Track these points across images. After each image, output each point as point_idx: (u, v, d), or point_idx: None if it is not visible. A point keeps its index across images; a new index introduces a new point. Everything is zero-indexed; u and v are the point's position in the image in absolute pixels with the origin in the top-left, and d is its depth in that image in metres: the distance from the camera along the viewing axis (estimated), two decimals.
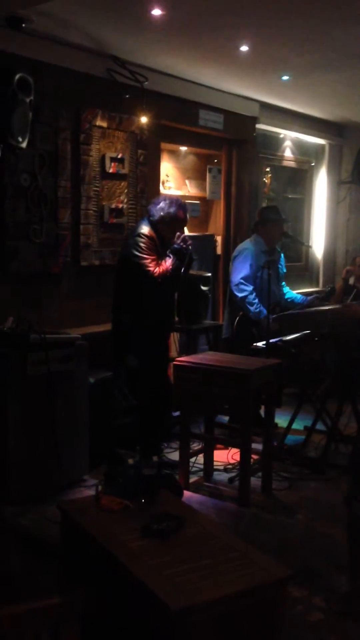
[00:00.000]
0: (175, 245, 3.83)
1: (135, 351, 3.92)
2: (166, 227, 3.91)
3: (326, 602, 2.72)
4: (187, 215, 4.08)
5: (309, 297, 5.13)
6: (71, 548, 2.68)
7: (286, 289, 5.21)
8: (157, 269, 3.75)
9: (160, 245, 3.88)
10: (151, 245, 3.80)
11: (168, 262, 3.79)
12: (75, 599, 1.57)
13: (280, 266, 5.03)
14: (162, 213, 3.89)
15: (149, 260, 3.76)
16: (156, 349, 4.06)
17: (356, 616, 2.62)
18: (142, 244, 3.78)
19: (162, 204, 3.91)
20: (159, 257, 3.84)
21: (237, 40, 4.34)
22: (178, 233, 3.88)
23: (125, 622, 2.21)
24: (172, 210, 3.90)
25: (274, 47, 4.53)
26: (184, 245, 3.86)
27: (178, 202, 3.97)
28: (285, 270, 5.21)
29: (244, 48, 4.47)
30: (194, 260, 4.24)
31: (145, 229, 3.85)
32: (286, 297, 5.13)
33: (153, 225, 3.90)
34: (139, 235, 3.82)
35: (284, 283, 5.22)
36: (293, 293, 5.22)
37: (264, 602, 2.13)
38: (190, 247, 3.93)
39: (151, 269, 3.74)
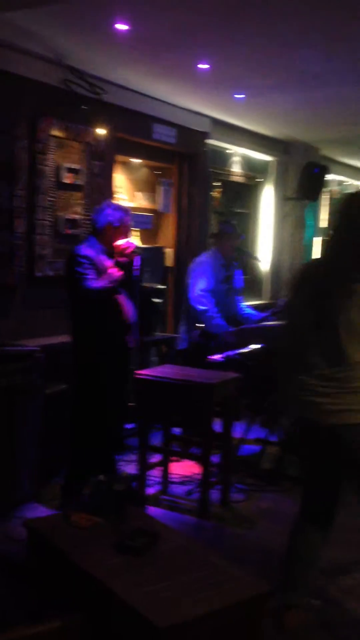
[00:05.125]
0: (116, 258, 3.72)
1: (91, 368, 3.84)
2: (113, 233, 3.77)
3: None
4: (130, 220, 3.93)
5: (264, 314, 5.19)
6: (40, 567, 2.62)
7: (243, 305, 5.25)
8: (93, 284, 3.62)
9: (104, 257, 3.76)
10: (86, 263, 3.66)
11: (107, 277, 3.66)
12: (74, 622, 1.55)
13: (235, 280, 5.08)
14: (109, 219, 3.77)
15: (83, 280, 3.63)
16: (113, 363, 3.98)
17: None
18: (76, 266, 3.65)
19: (108, 210, 3.80)
20: (100, 272, 3.71)
21: (197, 58, 4.41)
22: (117, 244, 3.74)
23: None
24: (118, 214, 3.79)
25: (232, 67, 4.63)
26: (125, 254, 3.73)
27: (123, 207, 3.90)
28: (242, 285, 5.27)
29: (203, 66, 4.54)
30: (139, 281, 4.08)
31: (83, 250, 3.71)
32: (240, 313, 5.18)
33: (98, 235, 3.78)
34: (78, 255, 3.68)
35: (241, 298, 5.28)
36: (250, 310, 5.27)
37: (246, 616, 2.15)
38: (131, 254, 3.75)
39: (87, 285, 3.62)
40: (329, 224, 9.28)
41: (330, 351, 2.49)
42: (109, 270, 3.69)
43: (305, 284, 2.59)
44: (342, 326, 2.46)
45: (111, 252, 3.79)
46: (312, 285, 2.54)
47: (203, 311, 4.82)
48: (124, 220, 3.82)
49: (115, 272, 3.68)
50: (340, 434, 2.48)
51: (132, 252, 3.76)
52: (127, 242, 3.77)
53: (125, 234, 3.85)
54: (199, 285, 4.87)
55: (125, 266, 3.72)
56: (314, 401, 2.52)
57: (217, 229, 5.19)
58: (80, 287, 3.62)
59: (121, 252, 3.75)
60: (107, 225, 3.77)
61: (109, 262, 3.76)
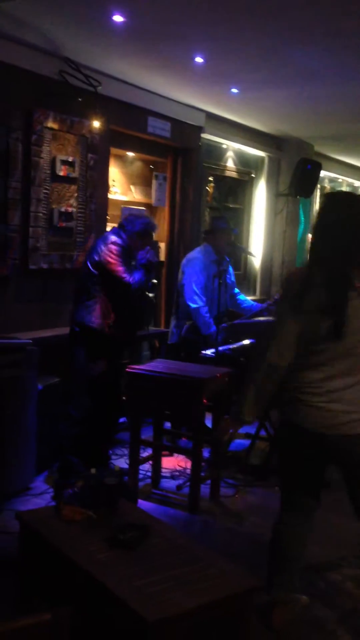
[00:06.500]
0: (144, 261, 3.98)
1: (99, 358, 3.92)
2: (138, 240, 4.05)
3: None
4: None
5: (263, 305, 5.27)
6: (31, 560, 2.62)
7: (242, 297, 5.31)
8: (131, 278, 3.91)
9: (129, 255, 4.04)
10: (124, 254, 3.95)
11: (138, 274, 3.95)
12: (64, 614, 1.55)
13: (229, 275, 5.11)
14: (144, 227, 4.06)
15: (123, 269, 3.90)
16: (117, 357, 4.11)
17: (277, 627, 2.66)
18: (115, 252, 3.91)
19: (144, 219, 4.13)
20: (129, 267, 4.00)
21: (193, 51, 4.39)
22: (148, 247, 4.06)
23: (96, 635, 2.19)
24: (151, 227, 4.13)
25: (227, 61, 4.61)
26: (152, 260, 4.05)
27: (153, 222, 4.21)
28: (233, 279, 5.31)
29: (199, 59, 4.53)
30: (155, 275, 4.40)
31: (117, 239, 3.98)
32: (243, 306, 5.23)
33: (128, 235, 4.03)
34: (113, 243, 3.94)
35: (237, 290, 5.32)
36: (250, 302, 5.33)
37: (235, 610, 2.17)
38: (154, 263, 4.12)
39: (127, 277, 3.89)
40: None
41: (322, 360, 2.44)
42: (140, 269, 3.97)
43: (291, 294, 2.48)
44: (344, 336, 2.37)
45: (131, 251, 4.05)
46: (298, 297, 2.43)
47: (196, 308, 4.86)
48: (151, 232, 4.16)
49: (144, 272, 3.97)
50: (332, 442, 2.46)
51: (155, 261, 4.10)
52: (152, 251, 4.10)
53: (144, 247, 4.11)
54: (192, 283, 4.90)
55: (150, 268, 4.03)
56: (308, 403, 2.47)
57: (210, 224, 5.20)
58: (117, 273, 3.87)
59: (146, 253, 4.03)
60: (139, 231, 4.04)
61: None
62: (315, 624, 2.77)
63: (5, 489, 3.75)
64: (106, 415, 3.92)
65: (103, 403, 3.86)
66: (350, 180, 10.06)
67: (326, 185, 9.36)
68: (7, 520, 3.38)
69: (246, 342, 4.61)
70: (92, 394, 3.83)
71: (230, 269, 5.26)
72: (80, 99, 4.71)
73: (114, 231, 4.08)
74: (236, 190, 7.43)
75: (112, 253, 3.90)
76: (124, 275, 3.90)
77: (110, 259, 3.90)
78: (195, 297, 4.87)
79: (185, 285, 4.96)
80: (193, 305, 4.87)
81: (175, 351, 5.11)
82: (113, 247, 3.91)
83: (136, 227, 4.03)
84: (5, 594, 2.75)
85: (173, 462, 4.48)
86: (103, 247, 3.92)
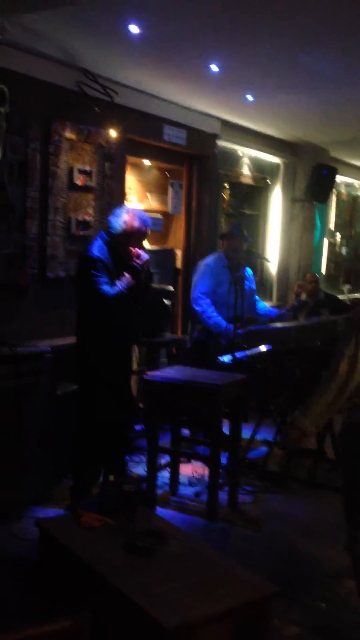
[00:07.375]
0: (134, 265, 3.69)
1: (98, 370, 3.82)
2: (126, 240, 3.71)
3: (301, 616, 2.79)
4: (148, 229, 3.87)
5: (281, 311, 5.31)
6: (50, 566, 2.65)
7: (261, 304, 5.34)
8: (110, 290, 3.61)
9: (116, 261, 3.72)
10: (100, 266, 3.63)
11: (123, 282, 3.66)
12: (83, 621, 1.57)
13: (247, 282, 5.12)
14: (124, 226, 3.72)
15: (98, 284, 3.59)
16: (119, 365, 3.97)
17: None
18: (90, 269, 3.61)
19: (124, 217, 3.72)
20: (114, 275, 3.69)
21: (208, 59, 4.42)
22: (131, 249, 3.71)
23: None
24: (135, 223, 3.73)
25: (242, 68, 4.64)
26: (138, 262, 3.70)
27: (140, 215, 3.78)
28: (254, 287, 5.33)
29: (214, 67, 4.56)
30: (152, 274, 4.10)
31: (94, 251, 3.67)
32: (260, 312, 5.26)
33: (111, 238, 3.73)
34: (86, 258, 3.66)
35: (257, 297, 5.35)
36: (267, 308, 5.37)
37: (252, 618, 2.18)
38: (145, 264, 3.75)
39: (103, 290, 3.59)
40: None
41: None
42: (126, 275, 3.67)
43: None
44: None
45: (121, 256, 3.74)
46: None
47: (200, 312, 4.95)
48: (140, 230, 3.75)
49: (129, 278, 3.66)
50: None
51: (144, 262, 3.74)
52: (141, 252, 3.73)
53: (139, 243, 3.78)
54: (198, 287, 4.98)
55: (137, 272, 3.70)
56: None
57: (226, 230, 5.27)
58: (95, 291, 3.59)
59: (135, 256, 3.72)
60: (121, 232, 3.72)
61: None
62: (332, 631, 2.77)
63: (24, 496, 3.78)
64: (116, 424, 3.86)
65: (111, 412, 3.80)
66: None
67: (342, 190, 9.34)
68: (27, 527, 3.41)
69: (262, 348, 4.62)
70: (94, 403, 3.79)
71: (251, 277, 5.28)
72: (97, 109, 4.76)
73: (100, 237, 3.76)
74: (252, 196, 7.45)
75: (87, 270, 3.60)
76: (100, 286, 3.57)
77: (86, 277, 3.60)
78: (200, 301, 4.97)
79: (193, 290, 5.08)
80: (197, 309, 4.98)
81: (190, 356, 5.14)
82: (87, 264, 3.61)
83: (117, 230, 3.70)
84: (25, 599, 2.79)
85: (191, 469, 4.49)
86: (79, 262, 3.71)
